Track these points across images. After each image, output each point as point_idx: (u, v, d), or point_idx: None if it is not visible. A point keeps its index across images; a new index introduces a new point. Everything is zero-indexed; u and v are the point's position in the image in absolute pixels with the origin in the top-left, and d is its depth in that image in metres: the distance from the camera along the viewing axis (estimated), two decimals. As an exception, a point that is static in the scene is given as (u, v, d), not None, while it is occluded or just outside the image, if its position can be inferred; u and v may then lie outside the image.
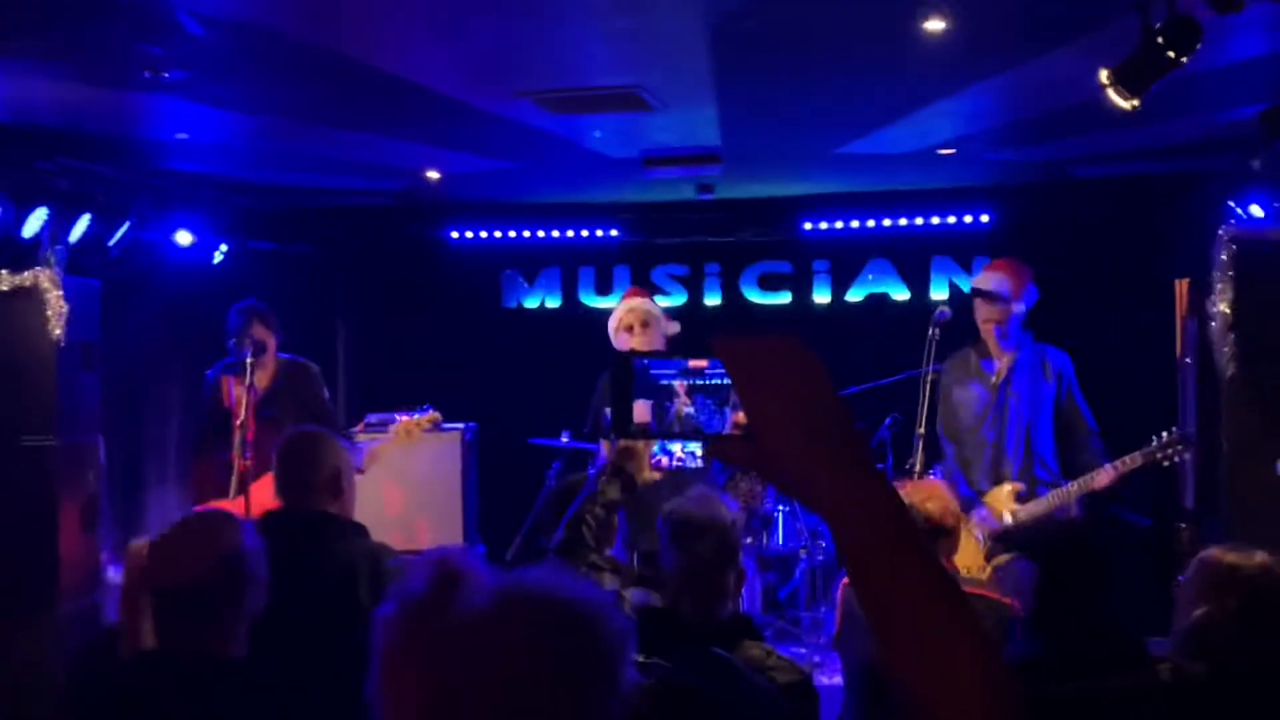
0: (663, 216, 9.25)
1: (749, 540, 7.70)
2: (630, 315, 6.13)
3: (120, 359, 7.81)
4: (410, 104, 5.91)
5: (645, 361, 1.68)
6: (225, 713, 2.78)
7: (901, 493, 4.00)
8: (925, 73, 5.42)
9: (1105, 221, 8.46)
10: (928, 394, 5.86)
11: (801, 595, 8.06)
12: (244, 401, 6.13)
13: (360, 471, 6.59)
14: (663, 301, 8.95)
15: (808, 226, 9.13)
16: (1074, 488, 5.72)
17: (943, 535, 4.09)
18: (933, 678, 1.11)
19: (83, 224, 6.91)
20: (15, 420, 6.02)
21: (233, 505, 5.69)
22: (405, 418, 7.07)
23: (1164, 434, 5.58)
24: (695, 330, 8.37)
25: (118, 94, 5.64)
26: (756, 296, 9.53)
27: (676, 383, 1.71)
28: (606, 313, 6.53)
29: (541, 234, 9.53)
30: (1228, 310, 5.46)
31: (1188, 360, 6.85)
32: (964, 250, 9.05)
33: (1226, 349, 5.48)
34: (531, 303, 9.84)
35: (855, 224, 9.10)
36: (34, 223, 6.52)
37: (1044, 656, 3.28)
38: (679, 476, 4.70)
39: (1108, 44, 4.33)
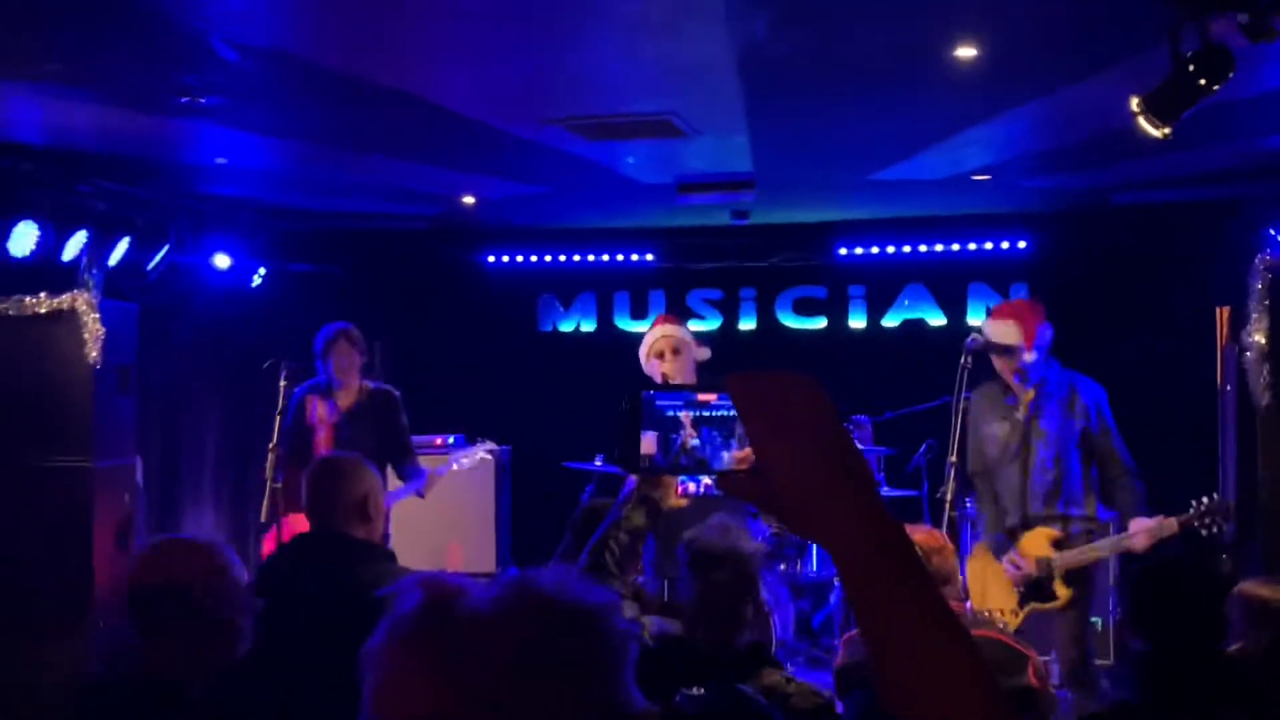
0: (698, 241, 9.26)
1: (782, 567, 7.65)
2: (661, 342, 6.11)
3: (158, 381, 7.88)
4: (444, 130, 5.95)
5: (651, 394, 1.67)
6: None
7: None
8: (957, 99, 5.40)
9: (1145, 249, 8.39)
10: (959, 422, 5.79)
11: (836, 622, 8.00)
12: (326, 422, 6.28)
13: (420, 496, 6.70)
14: (697, 326, 8.95)
15: (843, 252, 9.11)
16: (1107, 544, 5.60)
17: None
18: (934, 715, 1.11)
19: (122, 247, 6.99)
20: (52, 441, 6.09)
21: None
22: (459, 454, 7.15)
23: (1204, 500, 5.40)
24: (730, 355, 8.37)
25: (155, 119, 5.71)
26: (791, 321, 9.51)
27: (682, 414, 1.71)
28: (641, 337, 6.52)
29: (577, 258, 9.57)
30: (1263, 340, 5.38)
31: (1228, 388, 6.76)
32: (1001, 277, 8.99)
33: (1262, 379, 5.40)
34: (567, 326, 9.87)
35: (891, 249, 9.07)
36: (73, 246, 6.61)
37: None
38: (706, 503, 4.67)
39: (1141, 71, 4.29)
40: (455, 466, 7.07)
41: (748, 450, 1.31)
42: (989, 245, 8.86)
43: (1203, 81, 3.92)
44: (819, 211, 8.85)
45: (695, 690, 2.74)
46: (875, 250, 9.10)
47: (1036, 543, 5.71)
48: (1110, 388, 5.95)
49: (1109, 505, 5.73)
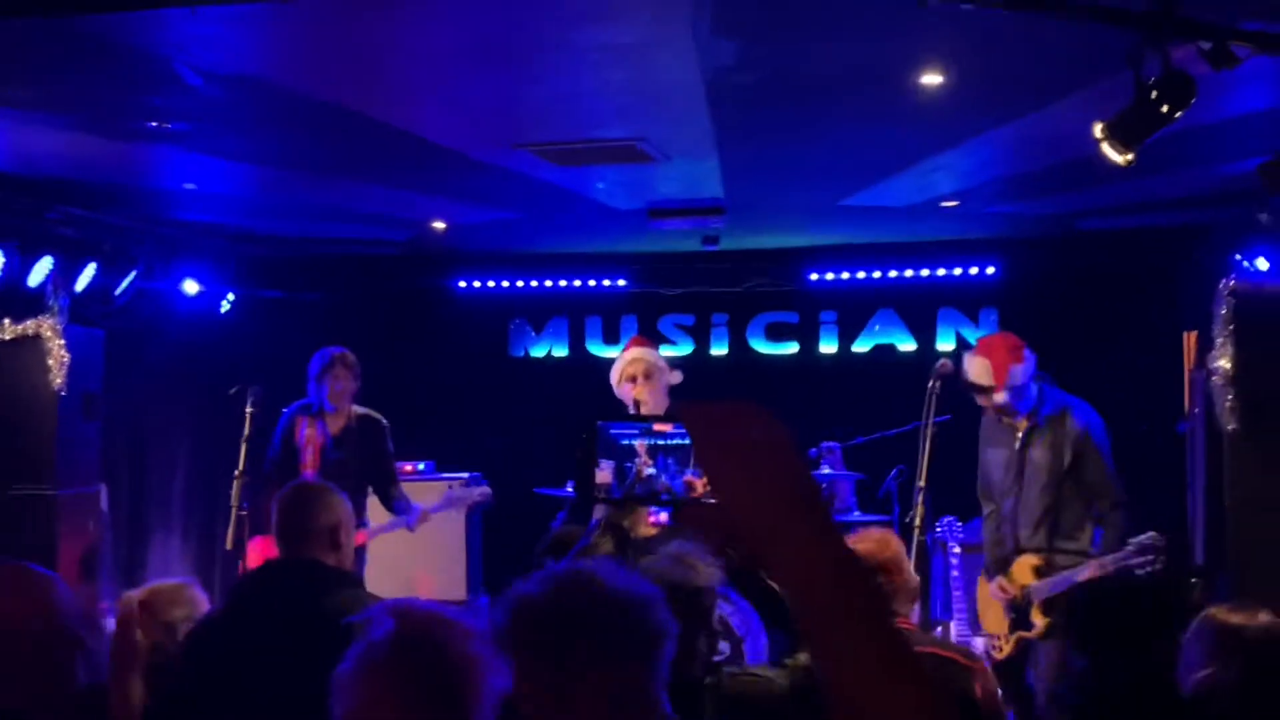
0: (669, 267, 9.26)
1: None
2: (633, 366, 6.11)
3: (125, 408, 7.84)
4: (413, 155, 5.94)
5: (606, 423, 1.68)
6: None
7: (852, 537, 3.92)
8: (924, 126, 5.43)
9: (1113, 274, 8.44)
10: (928, 447, 5.80)
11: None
12: (313, 444, 6.32)
13: (410, 529, 6.76)
14: (669, 351, 8.94)
15: (814, 277, 9.13)
16: (1062, 579, 5.63)
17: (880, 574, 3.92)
18: None
19: (89, 273, 6.95)
20: (14, 469, 6.03)
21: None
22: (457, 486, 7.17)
23: (1141, 539, 5.46)
24: (702, 380, 8.37)
25: (123, 144, 5.69)
26: (763, 347, 9.52)
27: (637, 443, 1.70)
28: (613, 362, 6.52)
29: (549, 284, 9.55)
30: (1228, 365, 5.41)
31: (1196, 412, 6.78)
32: (970, 302, 9.03)
33: (1227, 403, 5.42)
34: (539, 352, 9.84)
35: (862, 275, 9.11)
36: (39, 271, 6.57)
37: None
38: (678, 532, 4.65)
39: (1105, 98, 4.32)
40: (453, 507, 7.21)
41: (693, 479, 1.31)
42: (958, 271, 8.91)
43: (1165, 108, 3.95)
44: (790, 237, 8.88)
45: None
46: (846, 276, 9.13)
47: (1023, 570, 5.77)
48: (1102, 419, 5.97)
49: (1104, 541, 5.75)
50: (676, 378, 6.35)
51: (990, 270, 8.81)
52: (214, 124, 5.38)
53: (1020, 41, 4.29)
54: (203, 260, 8.17)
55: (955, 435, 6.27)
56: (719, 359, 9.54)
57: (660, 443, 1.59)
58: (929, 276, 8.99)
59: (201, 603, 3.78)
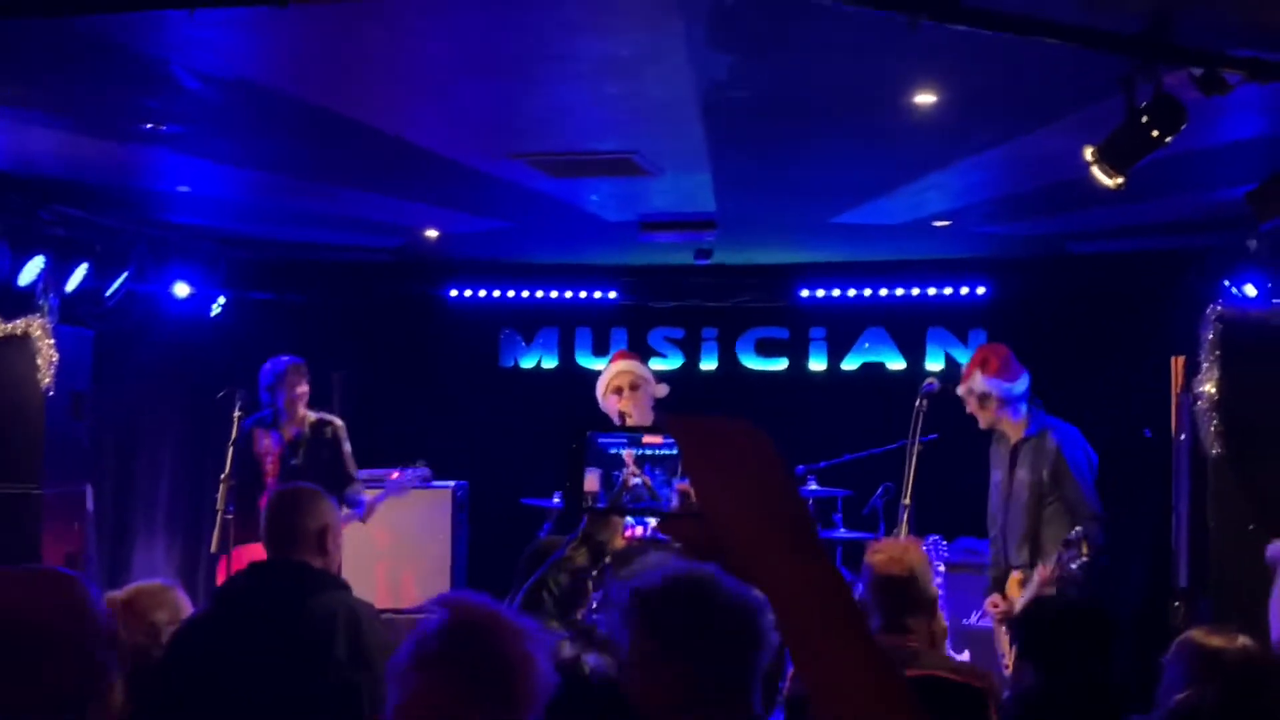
0: (660, 280, 9.28)
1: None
2: (620, 378, 6.13)
3: (114, 409, 7.82)
4: (406, 163, 5.95)
5: (595, 433, 1.68)
6: None
7: (874, 544, 3.94)
8: (917, 145, 5.45)
9: (1103, 297, 8.47)
10: (914, 465, 5.84)
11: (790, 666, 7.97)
12: (272, 453, 6.54)
13: (362, 521, 6.90)
14: (659, 365, 8.95)
15: (805, 294, 9.15)
16: (1029, 590, 5.68)
17: (896, 586, 3.94)
18: None
19: (80, 273, 6.94)
20: (0, 467, 6.01)
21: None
22: (398, 474, 7.22)
23: (1067, 535, 5.50)
24: (691, 394, 8.38)
25: (117, 145, 5.69)
26: (753, 362, 9.53)
27: (625, 452, 1.71)
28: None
29: (540, 294, 9.56)
30: (1213, 389, 5.44)
31: (1183, 437, 6.81)
32: (960, 322, 9.06)
33: (1212, 427, 5.46)
34: (528, 362, 9.84)
35: (852, 293, 9.13)
36: (30, 271, 6.55)
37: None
38: (653, 545, 4.66)
39: (1097, 122, 4.35)
40: (397, 493, 7.29)
41: (685, 486, 1.33)
42: (948, 290, 8.93)
43: (1155, 133, 3.98)
44: (781, 253, 8.89)
45: None
46: (836, 293, 9.15)
47: (1013, 587, 5.87)
48: (1080, 433, 6.02)
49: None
50: (662, 391, 6.37)
51: (980, 290, 8.84)
52: (209, 127, 5.39)
53: (1012, 64, 4.32)
54: (194, 263, 8.17)
55: (941, 454, 6.30)
56: (708, 373, 9.55)
57: (648, 453, 1.60)
58: (919, 295, 9.02)
59: (185, 605, 3.78)
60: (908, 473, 5.86)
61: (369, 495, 7.06)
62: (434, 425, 9.19)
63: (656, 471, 1.53)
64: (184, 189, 6.77)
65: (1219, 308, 5.70)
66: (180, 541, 8.78)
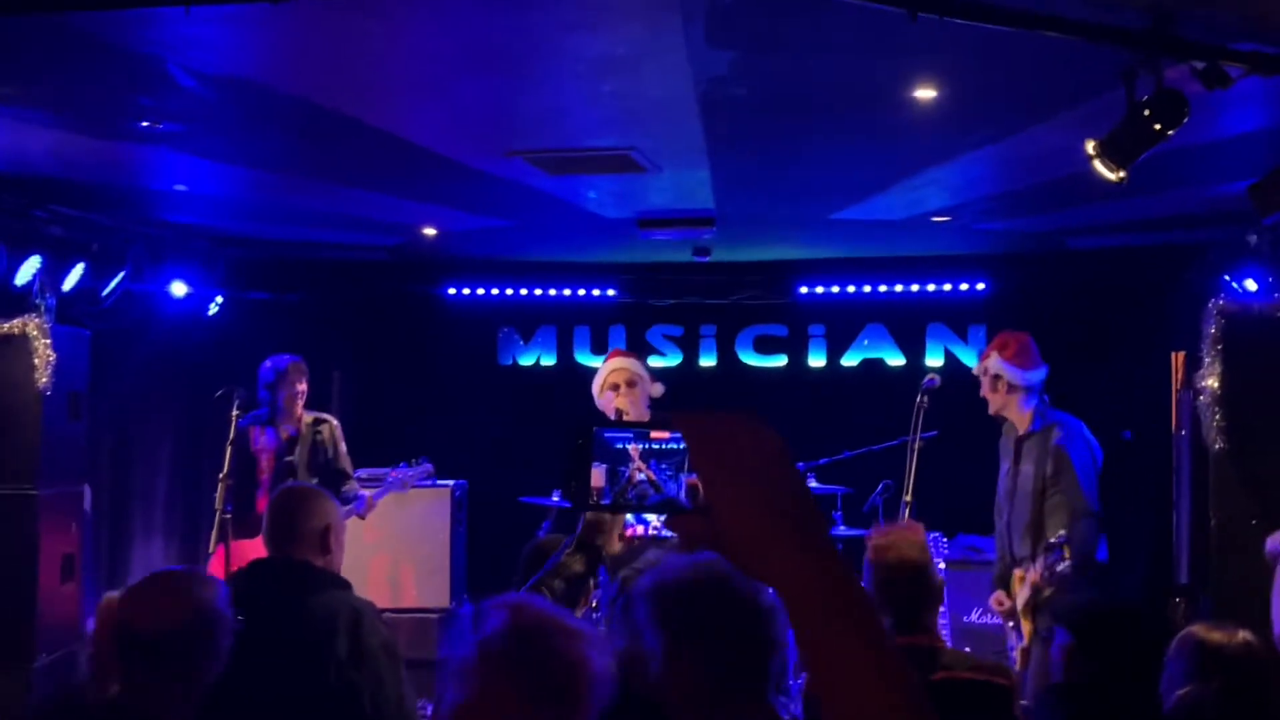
0: (659, 277, 9.27)
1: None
2: (616, 375, 6.09)
3: (111, 409, 7.80)
4: (404, 161, 5.93)
5: (601, 429, 1.67)
6: None
7: (875, 536, 3.89)
8: (917, 141, 5.43)
9: (1103, 293, 8.47)
10: (914, 462, 5.83)
11: (791, 663, 7.96)
12: (267, 451, 6.59)
13: (361, 517, 6.92)
14: (658, 362, 8.94)
15: (804, 290, 9.14)
16: (1023, 586, 5.68)
17: (905, 577, 3.79)
18: None
19: (76, 273, 6.91)
20: (-2, 467, 6.00)
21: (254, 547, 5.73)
22: (398, 473, 7.22)
23: (1050, 540, 5.49)
24: (690, 392, 8.36)
25: (114, 144, 5.66)
26: (752, 359, 9.52)
27: (630, 447, 1.70)
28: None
29: (538, 292, 9.55)
30: (1215, 384, 5.43)
31: (1183, 432, 6.80)
32: (959, 318, 9.05)
33: (1214, 422, 5.44)
34: (527, 360, 9.83)
35: (851, 289, 9.12)
36: (26, 270, 6.53)
37: None
38: (651, 544, 4.63)
39: (1098, 116, 4.34)
40: (398, 488, 7.27)
41: (694, 479, 1.31)
42: (948, 286, 8.92)
43: (1157, 126, 3.96)
44: (780, 250, 8.88)
45: None
46: (836, 290, 9.15)
47: (1017, 585, 5.81)
48: (1086, 428, 6.00)
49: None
50: (658, 389, 6.34)
51: (980, 286, 8.83)
52: (205, 125, 5.36)
53: (1013, 58, 4.30)
54: (191, 262, 8.15)
55: (942, 451, 6.29)
56: (707, 370, 9.54)
57: (654, 447, 1.58)
58: (919, 291, 9.01)
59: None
60: (908, 469, 5.85)
61: (368, 492, 7.08)
62: (432, 424, 9.17)
63: (663, 466, 1.51)
64: (181, 188, 6.74)
65: (1220, 303, 5.69)
66: (178, 541, 8.76)
